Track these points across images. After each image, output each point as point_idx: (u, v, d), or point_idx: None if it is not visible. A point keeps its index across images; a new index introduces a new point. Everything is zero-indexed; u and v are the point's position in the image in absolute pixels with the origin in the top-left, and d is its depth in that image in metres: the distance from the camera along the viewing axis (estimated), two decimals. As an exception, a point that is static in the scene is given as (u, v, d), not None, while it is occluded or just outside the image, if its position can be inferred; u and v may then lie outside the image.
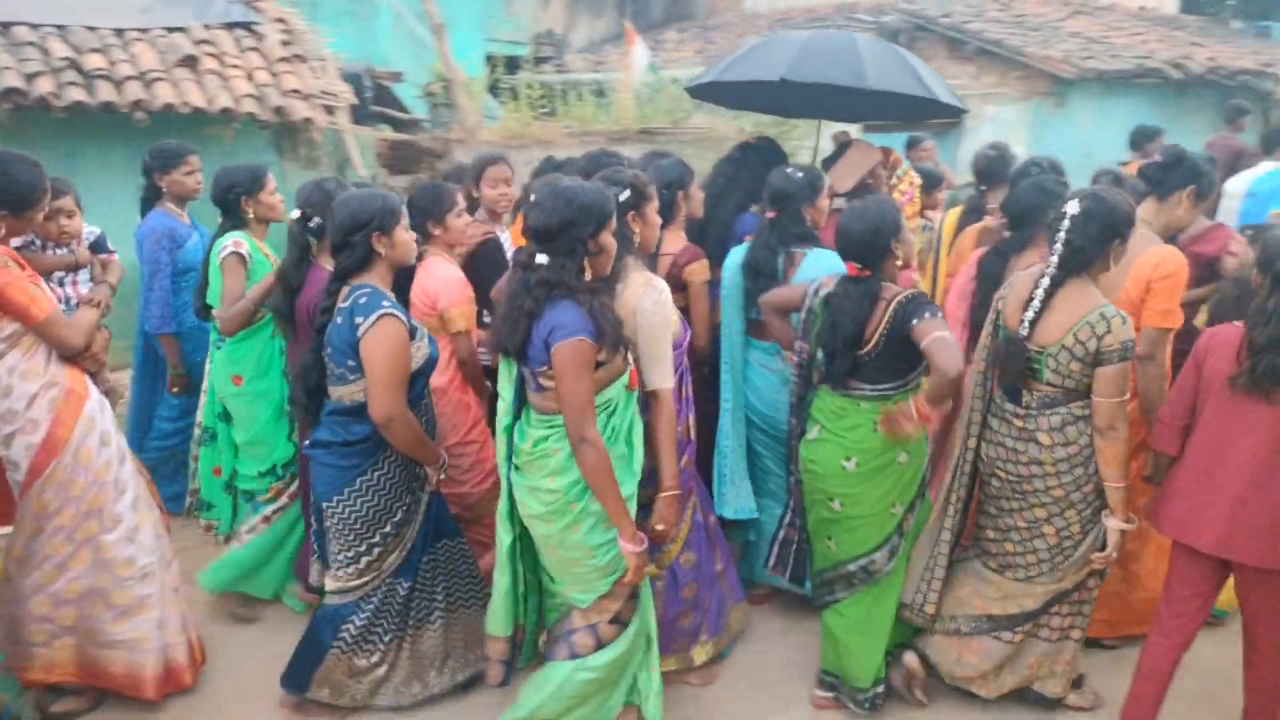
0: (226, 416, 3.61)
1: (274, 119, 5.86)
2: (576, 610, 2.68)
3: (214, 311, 3.46)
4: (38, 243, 3.54)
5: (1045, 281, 2.71)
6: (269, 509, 3.53)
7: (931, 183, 5.73)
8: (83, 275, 3.71)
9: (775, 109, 5.40)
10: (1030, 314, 2.71)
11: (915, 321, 2.76)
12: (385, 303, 2.71)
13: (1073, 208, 2.68)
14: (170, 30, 6.15)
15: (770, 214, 3.44)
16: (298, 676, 2.97)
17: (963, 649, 3.00)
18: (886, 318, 2.84)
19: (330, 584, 2.94)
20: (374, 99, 7.30)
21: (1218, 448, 2.59)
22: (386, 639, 2.96)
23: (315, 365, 2.84)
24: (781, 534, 3.26)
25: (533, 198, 2.56)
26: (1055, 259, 2.70)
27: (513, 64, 7.84)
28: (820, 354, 3.03)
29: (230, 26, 6.46)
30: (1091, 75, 9.01)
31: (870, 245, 2.86)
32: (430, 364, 2.91)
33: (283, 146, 6.45)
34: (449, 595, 3.07)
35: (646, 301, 2.68)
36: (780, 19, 14.16)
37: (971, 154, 5.57)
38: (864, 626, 3.02)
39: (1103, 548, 2.78)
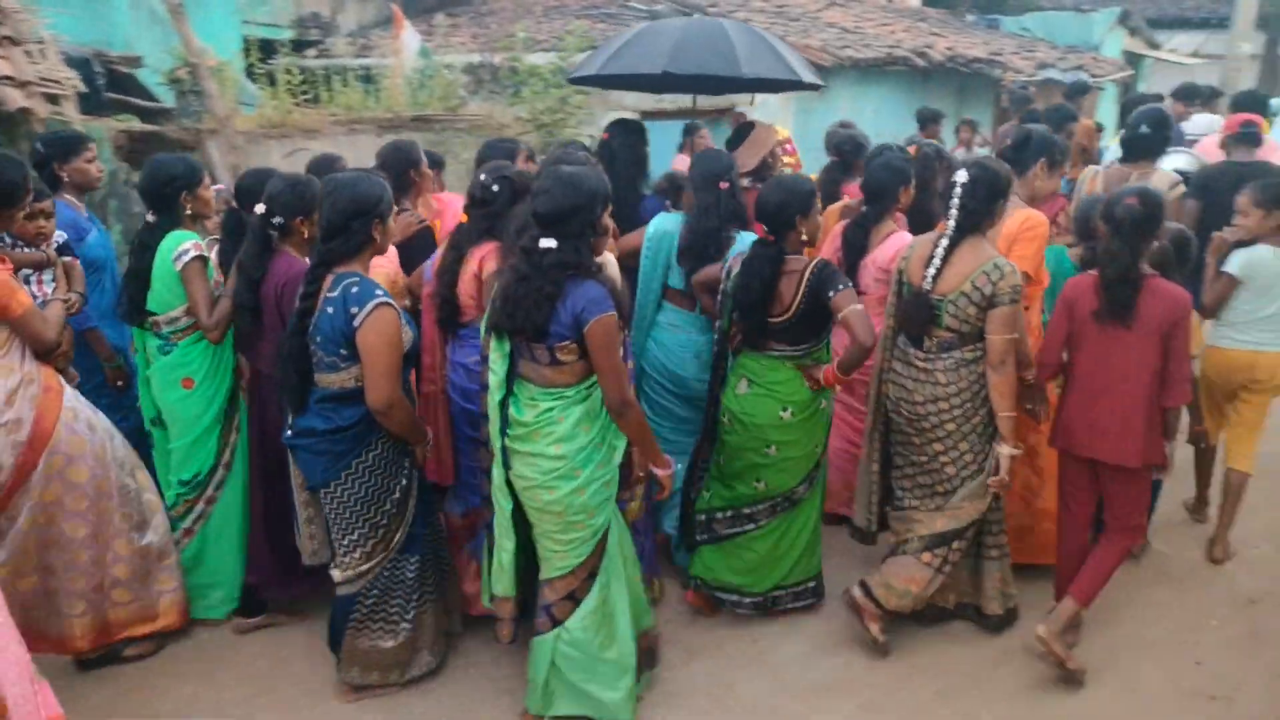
0: (159, 423, 3.50)
1: (-18, 109, 5.15)
2: (553, 583, 2.89)
3: (203, 320, 3.30)
4: (6, 239, 3.25)
5: (944, 241, 3.14)
6: (188, 521, 3.48)
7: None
8: (46, 275, 3.39)
9: (652, 89, 5.93)
10: (933, 269, 3.13)
11: (832, 294, 3.14)
12: (378, 291, 2.77)
13: (962, 176, 3.12)
14: None
15: (715, 190, 3.62)
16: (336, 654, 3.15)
17: (893, 578, 3.32)
18: (803, 286, 3.18)
19: (338, 575, 3.01)
20: (109, 86, 6.57)
21: (1093, 372, 3.20)
22: (409, 615, 3.08)
23: (300, 352, 2.86)
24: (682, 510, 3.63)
25: (538, 185, 2.74)
26: (953, 221, 3.12)
27: (268, 48, 7.31)
28: (734, 318, 3.38)
29: (-81, 3, 5.60)
30: (848, 63, 9.59)
31: (778, 215, 3.20)
32: (415, 348, 2.99)
33: (-2, 140, 5.70)
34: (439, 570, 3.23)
35: (618, 277, 3.01)
36: (555, 5, 14.12)
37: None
38: (789, 539, 3.49)
39: (994, 471, 3.19)
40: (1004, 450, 3.14)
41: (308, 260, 3.01)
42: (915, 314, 3.19)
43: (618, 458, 2.88)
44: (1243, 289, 3.80)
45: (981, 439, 3.22)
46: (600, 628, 2.90)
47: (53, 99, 5.57)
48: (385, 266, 3.46)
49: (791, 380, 3.33)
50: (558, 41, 7.55)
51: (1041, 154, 3.67)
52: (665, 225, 3.80)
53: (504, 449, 2.83)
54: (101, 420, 3.17)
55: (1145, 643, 3.53)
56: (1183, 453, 3.82)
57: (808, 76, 4.70)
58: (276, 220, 3.17)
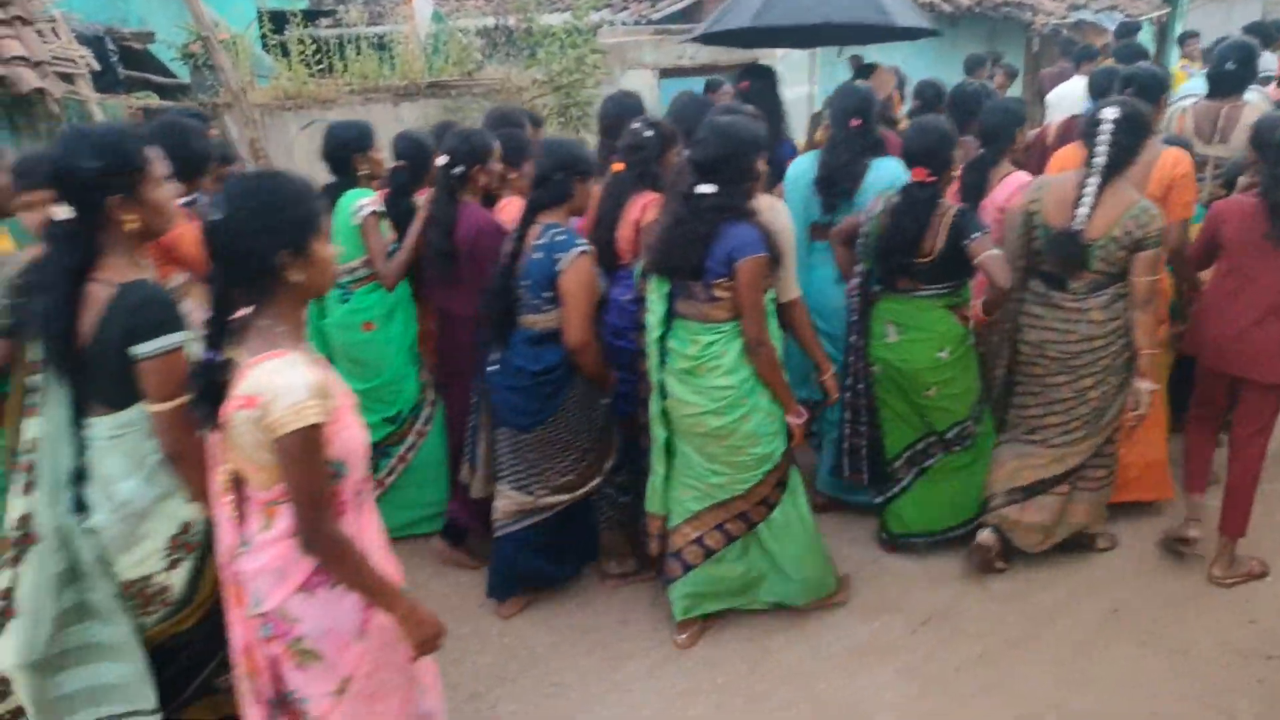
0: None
1: (-4, 91, 5.12)
2: (727, 504, 3.08)
3: (379, 270, 3.56)
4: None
5: (1094, 181, 3.13)
6: (401, 449, 3.73)
7: None
8: None
9: (793, 44, 6.16)
10: (1084, 210, 3.13)
11: (970, 240, 3.23)
12: (580, 241, 3.04)
13: (1110, 114, 3.13)
14: None
15: (847, 126, 3.76)
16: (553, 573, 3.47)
17: (1022, 514, 3.44)
18: (944, 229, 3.30)
19: (549, 499, 3.23)
20: (124, 63, 6.52)
21: (1233, 291, 3.30)
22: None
23: (505, 292, 3.11)
24: (848, 444, 3.66)
25: (696, 135, 2.94)
26: (1101, 160, 3.12)
27: (281, 19, 7.21)
28: (874, 267, 3.48)
29: (-71, -14, 5.56)
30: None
31: (937, 154, 3.31)
32: (603, 298, 3.23)
33: (16, 121, 5.67)
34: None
35: (779, 221, 3.07)
36: (572, -36, 13.90)
37: None
38: (965, 476, 3.57)
39: (1135, 406, 3.25)
40: (1145, 385, 3.21)
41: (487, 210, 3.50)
42: (1067, 255, 3.20)
43: None
44: None
45: (1124, 373, 3.30)
46: (792, 524, 3.16)
47: (67, 78, 5.54)
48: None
49: (944, 319, 3.44)
50: (572, 1, 7.36)
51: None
52: (802, 165, 3.95)
53: (661, 382, 3.07)
54: None
55: (1195, 601, 3.43)
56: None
57: (908, 19, 4.94)
58: (457, 170, 3.41)
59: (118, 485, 2.06)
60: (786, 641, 3.26)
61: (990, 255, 3.20)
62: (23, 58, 5.28)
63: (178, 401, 1.99)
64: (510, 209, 3.57)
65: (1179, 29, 15.59)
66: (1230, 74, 4.44)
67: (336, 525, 1.87)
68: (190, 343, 2.03)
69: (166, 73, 7.10)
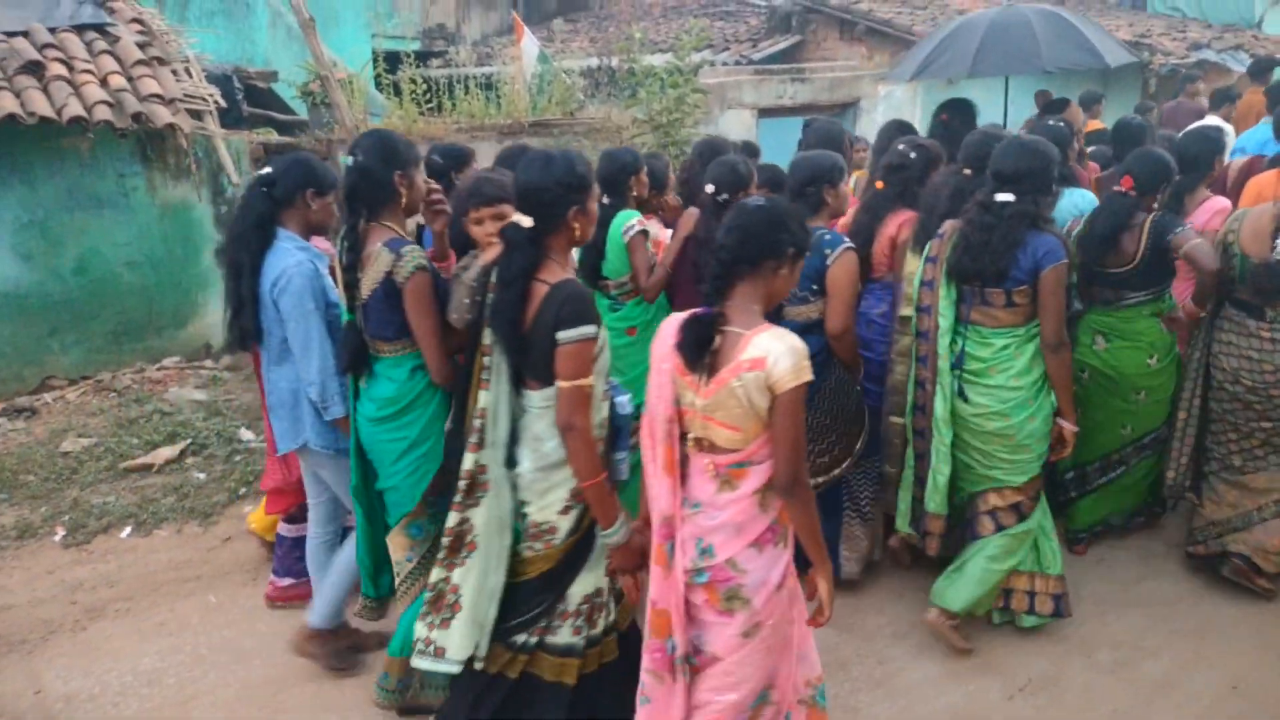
0: None
1: (133, 126, 5.47)
2: (999, 491, 3.29)
3: (642, 284, 3.77)
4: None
5: None
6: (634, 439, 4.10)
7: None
8: None
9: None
10: None
11: (1172, 235, 3.45)
12: (845, 239, 3.31)
13: None
14: (10, 35, 5.68)
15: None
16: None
17: (1265, 537, 3.52)
18: (1146, 234, 3.52)
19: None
20: (249, 100, 6.90)
21: None
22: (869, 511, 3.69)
23: None
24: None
25: (998, 150, 3.18)
26: None
27: (393, 60, 7.51)
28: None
29: (80, 29, 6.01)
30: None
31: (1156, 173, 3.55)
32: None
33: (148, 155, 6.05)
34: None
35: None
36: (674, 5, 14.10)
37: (865, 130, 5.73)
38: (1147, 478, 3.93)
39: None
40: None
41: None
42: (1267, 285, 3.33)
43: None
44: None
45: None
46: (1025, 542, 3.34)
47: (196, 114, 5.88)
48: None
49: (1154, 327, 3.65)
50: (674, 41, 7.46)
51: None
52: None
53: (951, 384, 3.26)
54: None
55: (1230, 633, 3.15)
56: None
57: (1117, 57, 5.13)
58: (721, 197, 3.56)
59: (544, 444, 2.50)
60: (876, 699, 3.14)
61: (1194, 244, 3.41)
62: (158, 95, 5.64)
63: (582, 381, 2.39)
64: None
65: (1310, 69, 14.83)
66: None
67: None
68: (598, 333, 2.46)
69: (287, 109, 7.47)
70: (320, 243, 3.28)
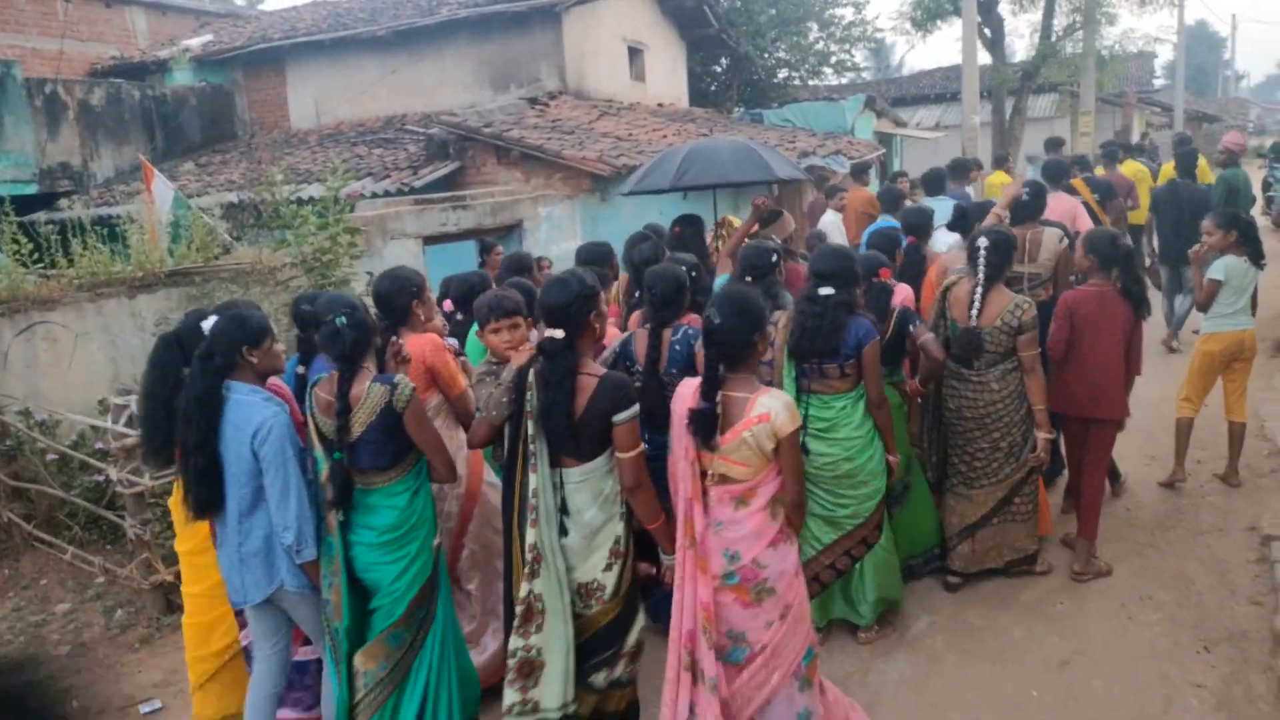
0: None
1: None
2: (848, 536, 3.94)
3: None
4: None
5: (979, 290, 4.27)
6: None
7: None
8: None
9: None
10: (975, 310, 4.26)
11: (912, 327, 4.24)
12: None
13: (983, 242, 4.28)
14: None
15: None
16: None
17: (973, 546, 4.48)
18: (893, 324, 4.27)
19: None
20: None
21: (1082, 359, 4.50)
22: None
23: (655, 383, 3.80)
24: None
25: (816, 253, 4.04)
26: (982, 274, 4.27)
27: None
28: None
29: None
30: (625, 170, 9.82)
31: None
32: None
33: None
34: None
35: None
36: (330, 133, 13.86)
37: (531, 248, 6.10)
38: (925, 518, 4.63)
39: (1034, 449, 4.35)
40: (1041, 435, 4.32)
41: None
42: (971, 343, 4.27)
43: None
44: (1224, 288, 5.16)
45: (1024, 425, 4.34)
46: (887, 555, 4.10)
47: None
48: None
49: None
50: (315, 175, 7.25)
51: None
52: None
53: (805, 441, 3.78)
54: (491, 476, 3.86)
55: (975, 730, 3.54)
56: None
57: (788, 172, 6.73)
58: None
59: (584, 514, 2.99)
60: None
61: (929, 338, 4.21)
62: None
63: (637, 450, 2.97)
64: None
65: (896, 166, 17.64)
66: (1025, 204, 5.38)
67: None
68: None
69: None
70: (274, 384, 3.36)
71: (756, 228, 5.58)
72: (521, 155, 10.34)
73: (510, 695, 2.95)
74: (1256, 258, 5.25)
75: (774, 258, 4.29)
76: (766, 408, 2.86)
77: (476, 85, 13.62)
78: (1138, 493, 5.51)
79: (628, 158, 10.05)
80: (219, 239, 7.07)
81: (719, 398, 2.93)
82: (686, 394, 3.00)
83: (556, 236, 9.74)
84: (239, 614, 3.47)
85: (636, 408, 2.93)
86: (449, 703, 3.25)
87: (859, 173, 10.60)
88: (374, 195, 9.65)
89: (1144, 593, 4.39)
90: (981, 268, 4.26)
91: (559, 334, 2.91)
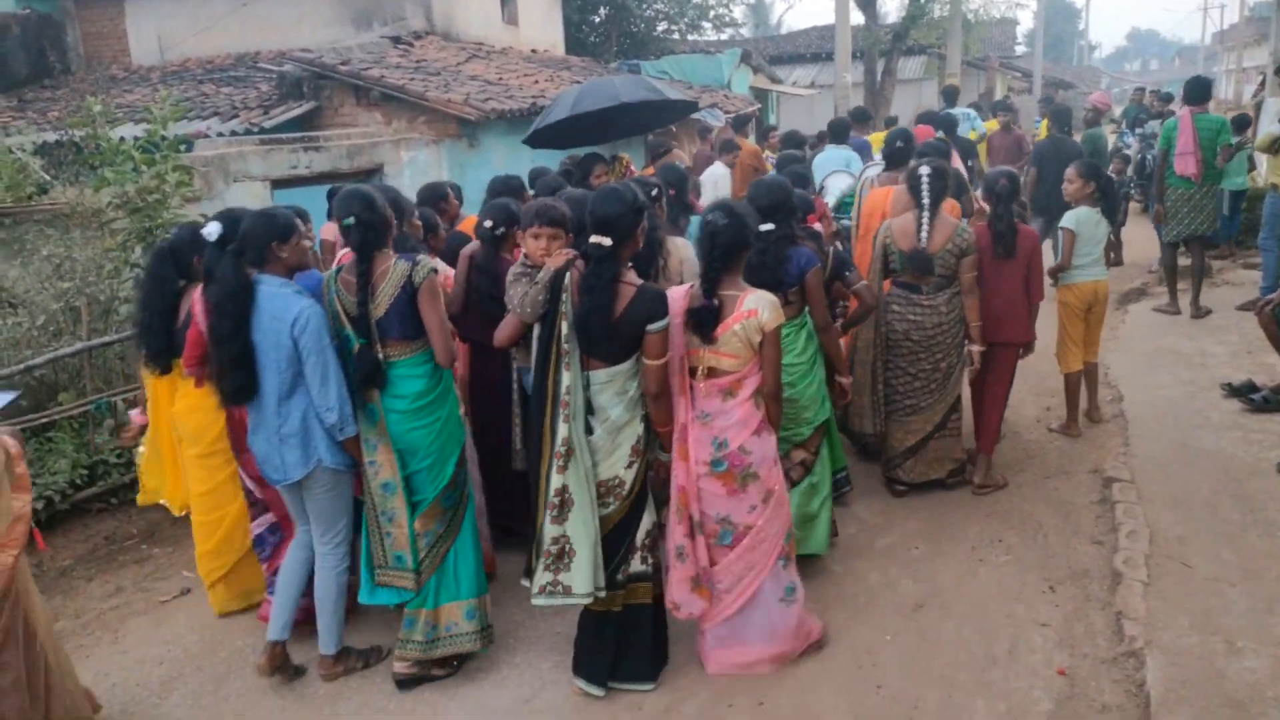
0: None
1: None
2: (799, 446, 4.06)
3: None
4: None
5: (926, 216, 4.49)
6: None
7: None
8: None
9: (582, 142, 7.33)
10: (924, 235, 4.48)
11: (847, 274, 4.37)
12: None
13: (925, 171, 4.49)
14: None
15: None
16: None
17: (917, 462, 4.84)
18: (829, 267, 4.30)
19: None
20: None
21: (983, 287, 4.64)
22: None
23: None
24: None
25: (751, 191, 4.08)
26: (927, 201, 4.48)
27: None
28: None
29: None
30: (493, 115, 9.42)
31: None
32: None
33: None
34: None
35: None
36: (175, 70, 12.81)
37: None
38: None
39: (970, 364, 4.71)
40: (975, 348, 4.66)
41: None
42: (921, 266, 4.52)
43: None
44: (1077, 239, 5.36)
45: (961, 346, 4.70)
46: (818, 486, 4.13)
47: None
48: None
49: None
50: (146, 112, 6.62)
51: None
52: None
53: None
54: None
55: (826, 670, 3.51)
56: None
57: (678, 96, 7.42)
58: (499, 231, 4.12)
59: (609, 411, 3.22)
60: None
61: (864, 285, 4.43)
62: None
63: (665, 359, 3.20)
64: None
65: (772, 121, 17.70)
66: (899, 150, 5.67)
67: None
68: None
69: None
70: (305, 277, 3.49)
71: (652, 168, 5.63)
72: (382, 96, 9.78)
73: (544, 576, 3.21)
74: (1111, 213, 5.48)
75: (654, 192, 4.32)
76: (755, 304, 3.23)
77: (337, 22, 12.82)
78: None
79: (497, 102, 9.64)
80: (32, 177, 6.38)
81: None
82: (677, 299, 3.28)
83: (420, 182, 9.23)
84: (253, 505, 3.80)
85: (667, 320, 3.17)
86: (478, 558, 3.63)
87: (739, 126, 10.63)
88: (220, 135, 8.95)
89: (994, 535, 4.49)
90: (925, 195, 4.48)
91: (607, 241, 3.08)
